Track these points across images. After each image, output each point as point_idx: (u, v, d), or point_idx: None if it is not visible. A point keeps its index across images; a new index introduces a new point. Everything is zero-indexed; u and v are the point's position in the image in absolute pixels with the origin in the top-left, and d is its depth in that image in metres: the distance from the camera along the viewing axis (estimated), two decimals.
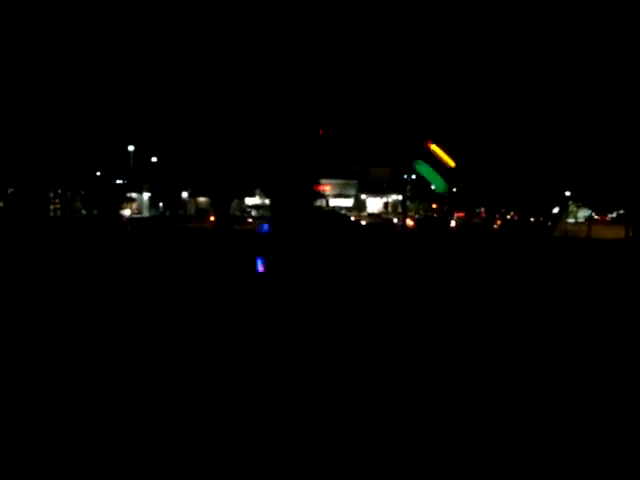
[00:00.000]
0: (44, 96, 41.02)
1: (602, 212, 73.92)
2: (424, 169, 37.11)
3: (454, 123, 48.92)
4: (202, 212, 77.74)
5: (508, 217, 64.83)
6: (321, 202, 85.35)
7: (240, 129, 46.12)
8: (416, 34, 42.76)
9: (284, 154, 42.01)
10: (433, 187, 37.87)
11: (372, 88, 48.02)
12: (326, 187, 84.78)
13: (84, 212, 58.52)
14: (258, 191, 79.34)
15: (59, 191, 56.31)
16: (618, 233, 52.67)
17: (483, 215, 77.00)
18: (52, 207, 58.32)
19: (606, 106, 41.08)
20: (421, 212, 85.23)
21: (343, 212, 70.91)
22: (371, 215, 79.02)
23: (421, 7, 40.76)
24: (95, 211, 54.91)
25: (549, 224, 50.32)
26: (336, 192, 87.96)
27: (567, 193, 54.00)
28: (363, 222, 67.67)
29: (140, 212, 79.97)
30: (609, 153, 42.95)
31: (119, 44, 41.77)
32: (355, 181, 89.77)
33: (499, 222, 65.18)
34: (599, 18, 38.21)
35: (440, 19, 41.54)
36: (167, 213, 73.54)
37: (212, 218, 60.37)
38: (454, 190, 70.52)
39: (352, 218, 66.91)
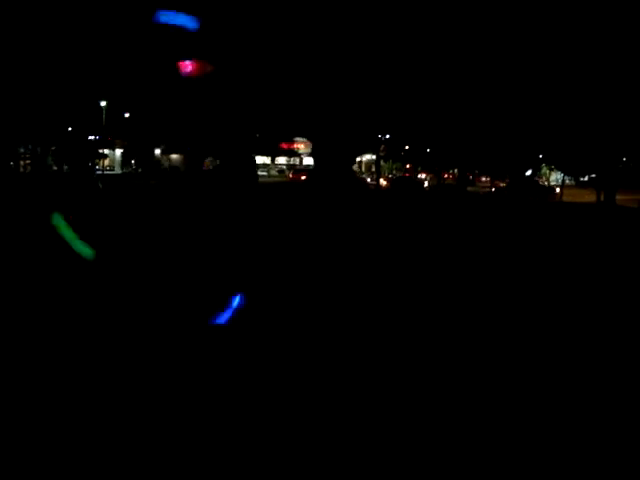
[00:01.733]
0: (12, 50, 40.26)
1: (574, 175, 74.34)
2: None
3: (429, 82, 48.78)
4: (175, 169, 77.16)
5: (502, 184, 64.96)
6: (294, 160, 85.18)
7: (214, 85, 45.56)
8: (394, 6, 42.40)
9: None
10: None
11: (346, 47, 47.61)
12: (300, 145, 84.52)
13: (55, 168, 57.90)
14: None
15: (29, 146, 55.59)
16: (590, 197, 53.08)
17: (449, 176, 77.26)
18: (22, 163, 57.66)
19: (579, 71, 41.15)
20: (394, 172, 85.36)
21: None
22: None
23: None
24: (65, 167, 54.30)
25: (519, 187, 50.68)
26: (309, 151, 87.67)
27: (539, 156, 54.33)
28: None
29: (112, 169, 79.27)
30: (582, 116, 43.13)
31: (89, 5, 41.02)
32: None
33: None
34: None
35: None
36: (139, 170, 72.93)
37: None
38: (427, 151, 70.65)
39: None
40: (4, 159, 49.39)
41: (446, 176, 78.72)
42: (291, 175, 70.89)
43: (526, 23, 40.68)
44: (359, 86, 53.30)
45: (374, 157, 77.27)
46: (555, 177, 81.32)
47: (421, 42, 45.37)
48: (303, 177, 60.59)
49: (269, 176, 78.09)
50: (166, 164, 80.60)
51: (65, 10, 40.33)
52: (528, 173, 52.01)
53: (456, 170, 73.29)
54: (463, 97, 47.03)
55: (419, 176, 79.42)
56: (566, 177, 67.84)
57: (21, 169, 56.51)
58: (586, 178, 73.72)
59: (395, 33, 43.91)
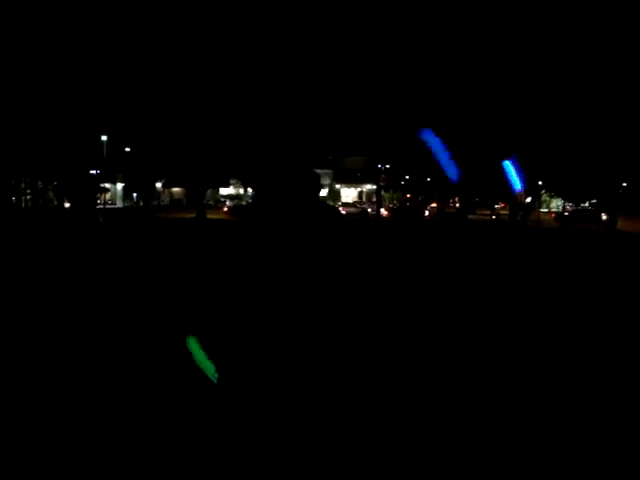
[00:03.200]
0: (16, 86, 40.60)
1: (574, 201, 74.46)
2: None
3: (427, 111, 49.00)
4: (176, 202, 77.42)
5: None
6: None
7: (214, 119, 45.95)
8: (392, 24, 42.75)
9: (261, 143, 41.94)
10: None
11: (347, 78, 47.99)
12: None
13: (56, 203, 58.12)
14: (232, 181, 79.12)
15: (27, 181, 55.84)
16: (590, 224, 53.12)
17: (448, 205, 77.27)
18: (24, 198, 57.91)
19: (580, 98, 41.35)
20: (395, 202, 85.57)
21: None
22: (345, 204, 79.11)
23: None
24: (66, 202, 54.48)
25: (520, 214, 50.65)
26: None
27: (540, 182, 54.35)
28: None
29: (113, 202, 79.59)
30: (582, 143, 43.24)
31: (91, 36, 41.42)
32: (330, 170, 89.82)
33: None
34: (569, 15, 38.47)
35: (416, 8, 41.59)
36: (141, 203, 73.19)
37: (225, 209, 61.01)
38: (428, 180, 70.82)
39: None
40: (5, 195, 49.59)
41: (434, 205, 78.90)
42: None
43: (527, 49, 40.98)
44: (369, 116, 53.65)
45: (375, 187, 77.54)
46: (556, 203, 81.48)
47: (420, 70, 45.68)
48: None
49: None
50: (167, 198, 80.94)
51: (66, 45, 40.72)
52: (528, 200, 52.01)
53: (457, 198, 73.44)
54: (463, 125, 47.19)
55: (432, 204, 79.26)
56: (567, 203, 68.06)
57: (23, 204, 56.73)
58: (587, 204, 73.85)
59: (394, 59, 44.22)
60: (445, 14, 41.36)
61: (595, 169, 45.78)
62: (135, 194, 78.51)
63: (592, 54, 39.68)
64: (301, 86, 42.83)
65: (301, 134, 45.59)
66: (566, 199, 65.13)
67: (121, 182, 79.12)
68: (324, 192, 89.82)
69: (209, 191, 63.45)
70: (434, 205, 79.65)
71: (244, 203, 77.94)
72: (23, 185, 56.33)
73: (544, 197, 76.15)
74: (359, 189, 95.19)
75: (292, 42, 38.22)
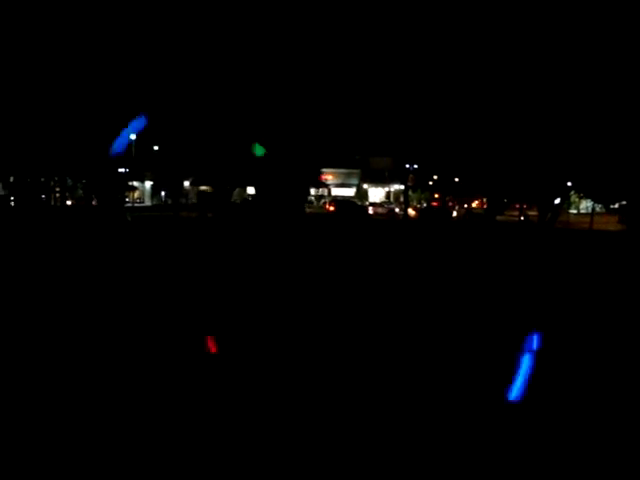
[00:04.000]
0: (46, 85, 40.98)
1: (604, 203, 73.63)
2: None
3: (456, 111, 48.81)
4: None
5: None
6: (323, 191, 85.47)
7: (243, 117, 46.05)
8: (417, 24, 42.62)
9: (285, 145, 41.96)
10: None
11: (373, 77, 47.88)
12: (328, 176, 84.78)
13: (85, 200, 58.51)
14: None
15: (56, 179, 56.32)
16: (620, 225, 52.60)
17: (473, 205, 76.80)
18: (53, 196, 58.41)
19: (609, 97, 40.97)
20: (422, 202, 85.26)
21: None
22: (373, 204, 78.96)
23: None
24: (94, 200, 54.86)
25: (549, 215, 50.21)
26: (338, 182, 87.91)
27: (569, 183, 53.91)
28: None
29: (142, 201, 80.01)
30: (611, 143, 42.84)
31: (121, 33, 41.68)
32: (357, 170, 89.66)
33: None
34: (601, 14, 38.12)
35: (440, 10, 41.41)
36: (169, 202, 73.49)
37: None
38: (456, 180, 70.50)
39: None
40: (36, 192, 50.04)
41: (474, 205, 78.32)
42: (329, 206, 68.45)
43: (556, 52, 40.68)
44: (396, 115, 53.56)
45: (402, 187, 77.32)
46: (585, 205, 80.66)
47: (448, 72, 45.49)
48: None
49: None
50: (194, 196, 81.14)
51: (97, 44, 41.01)
52: (557, 201, 51.58)
53: (484, 199, 72.97)
54: (491, 126, 46.95)
55: (466, 205, 78.62)
56: (596, 204, 67.32)
57: (52, 202, 57.23)
58: (616, 205, 72.98)
59: (422, 59, 44.05)
60: (468, 14, 41.18)
61: (625, 169, 45.30)
62: (163, 192, 78.84)
63: (622, 53, 39.30)
64: (322, 87, 42.78)
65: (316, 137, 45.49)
66: (595, 200, 64.37)
67: (150, 180, 79.49)
68: (352, 191, 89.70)
69: (237, 190, 63.54)
70: (459, 205, 79.30)
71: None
72: (52, 183, 56.81)
73: (573, 198, 75.46)
74: (387, 189, 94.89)
75: (315, 43, 38.19)
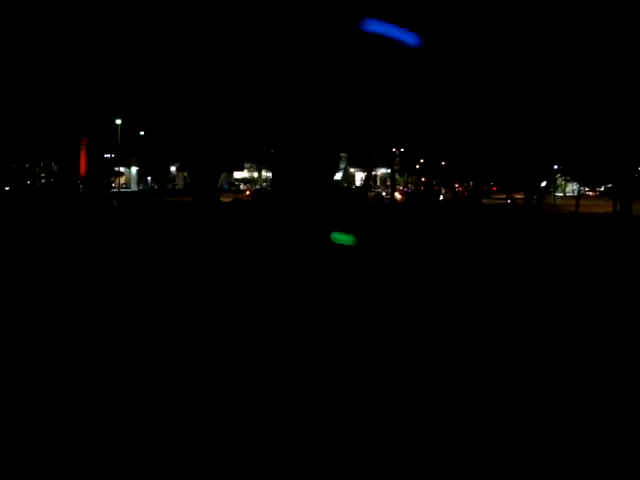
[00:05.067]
0: (30, 71, 40.67)
1: (590, 186, 74.02)
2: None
3: (441, 95, 48.73)
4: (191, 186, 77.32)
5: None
6: None
7: (229, 102, 45.83)
8: (407, 13, 42.41)
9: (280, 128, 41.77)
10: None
11: (359, 64, 47.68)
12: None
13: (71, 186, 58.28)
14: (247, 165, 79.08)
15: (41, 164, 56.03)
16: (606, 207, 52.82)
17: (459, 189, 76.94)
18: (38, 182, 58.10)
19: (593, 81, 41.01)
20: (410, 185, 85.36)
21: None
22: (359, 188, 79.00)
23: None
24: (80, 185, 54.64)
25: (535, 198, 50.36)
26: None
27: (555, 167, 54.02)
28: None
29: (128, 186, 79.75)
30: (597, 127, 42.95)
31: (106, 21, 41.36)
32: (344, 154, 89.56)
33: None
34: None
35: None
36: (155, 187, 73.34)
37: (248, 192, 60.95)
38: (442, 164, 70.56)
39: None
40: (20, 177, 49.76)
41: (460, 189, 78.43)
42: None
43: (541, 37, 40.64)
44: (382, 98, 53.42)
45: (389, 171, 77.33)
46: (571, 188, 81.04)
47: (434, 57, 45.38)
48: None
49: None
50: (181, 181, 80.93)
51: (81, 30, 40.68)
52: (543, 184, 51.71)
53: (471, 183, 73.10)
54: (477, 109, 46.95)
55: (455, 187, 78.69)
56: (582, 187, 67.68)
57: (37, 186, 56.96)
58: (602, 188, 73.40)
59: (409, 49, 43.87)
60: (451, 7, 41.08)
61: (610, 153, 45.44)
62: (149, 178, 78.63)
63: (610, 40, 39.32)
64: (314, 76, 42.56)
65: (325, 120, 45.30)
66: (582, 183, 64.67)
67: (135, 166, 79.25)
68: (338, 175, 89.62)
69: (223, 174, 63.38)
70: (445, 189, 79.36)
71: (258, 186, 77.84)
72: (37, 169, 56.51)
73: (559, 181, 75.73)
74: (373, 173, 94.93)
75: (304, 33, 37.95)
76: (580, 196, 62.50)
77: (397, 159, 74.30)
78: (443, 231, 28.18)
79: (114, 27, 40.95)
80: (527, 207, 50.62)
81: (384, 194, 73.31)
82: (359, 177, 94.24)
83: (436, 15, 40.43)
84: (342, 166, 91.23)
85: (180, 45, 42.87)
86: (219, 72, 44.01)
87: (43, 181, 58.33)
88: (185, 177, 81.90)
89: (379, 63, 45.07)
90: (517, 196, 63.93)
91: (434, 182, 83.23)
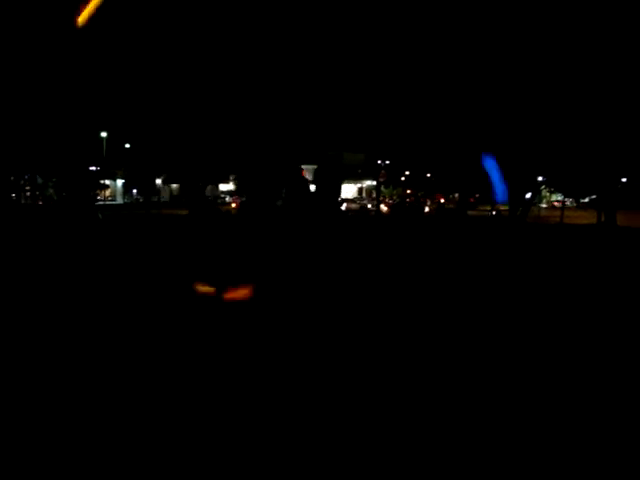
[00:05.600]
0: (15, 82, 40.59)
1: (574, 197, 74.46)
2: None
3: (427, 107, 48.95)
4: (176, 199, 77.38)
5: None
6: None
7: (214, 115, 45.92)
8: (390, 19, 42.69)
9: (258, 140, 41.90)
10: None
11: (344, 72, 47.93)
12: (306, 174, 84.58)
13: (56, 199, 58.14)
14: (232, 177, 79.08)
15: (26, 177, 55.91)
16: (590, 219, 53.10)
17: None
18: (23, 194, 57.93)
19: (578, 93, 41.30)
20: (395, 197, 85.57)
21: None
22: (346, 200, 79.09)
23: None
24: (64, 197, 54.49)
25: (520, 210, 50.60)
26: (310, 177, 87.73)
27: (539, 178, 54.30)
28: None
29: (114, 199, 79.63)
30: (582, 138, 43.22)
31: (90, 33, 41.33)
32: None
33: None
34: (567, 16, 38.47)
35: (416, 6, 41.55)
36: (140, 199, 73.23)
37: (234, 205, 60.86)
38: (428, 175, 70.86)
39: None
40: (5, 191, 49.58)
41: (442, 201, 78.68)
42: None
43: (527, 51, 40.96)
44: (369, 111, 53.56)
45: (374, 183, 77.54)
46: (555, 199, 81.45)
47: (419, 67, 45.62)
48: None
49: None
50: (167, 194, 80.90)
51: (64, 41, 40.66)
52: (528, 196, 51.98)
53: (456, 195, 73.36)
54: (462, 122, 47.17)
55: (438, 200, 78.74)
56: (567, 199, 68.07)
57: (23, 200, 56.76)
58: (587, 199, 73.86)
59: (393, 59, 44.15)
60: (443, 11, 41.33)
61: (595, 164, 45.75)
62: (135, 190, 78.52)
63: (593, 50, 39.64)
64: (295, 82, 42.76)
65: (290, 133, 45.53)
66: (566, 194, 65.09)
67: (121, 178, 79.17)
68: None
69: (209, 187, 63.38)
70: (430, 201, 79.57)
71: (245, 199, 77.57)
72: (22, 182, 56.36)
73: (544, 192, 76.11)
74: (359, 185, 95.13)
75: (288, 40, 38.13)
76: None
77: (382, 171, 74.57)
78: (428, 242, 28.22)
79: (103, 40, 40.98)
80: (512, 218, 50.82)
81: (369, 206, 73.43)
82: (345, 190, 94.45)
83: (428, 30, 40.72)
84: None
85: (168, 58, 42.98)
86: (206, 84, 44.13)
87: (28, 194, 58.17)
88: (171, 190, 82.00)
89: (365, 75, 45.26)
90: (502, 207, 64.16)
91: (419, 194, 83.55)
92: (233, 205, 63.37)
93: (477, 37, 41.95)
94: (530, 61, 41.08)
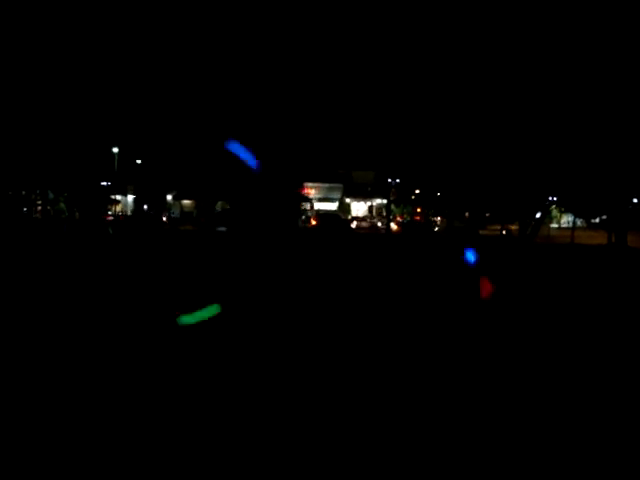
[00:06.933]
0: (28, 98, 40.88)
1: (585, 217, 74.21)
2: None
3: (438, 127, 49.06)
4: (187, 215, 77.53)
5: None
6: (305, 206, 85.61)
7: (225, 131, 46.06)
8: (402, 37, 42.87)
9: (268, 157, 41.99)
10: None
11: (355, 92, 48.09)
12: (311, 190, 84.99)
13: (67, 214, 58.35)
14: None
15: (38, 192, 56.16)
16: (601, 239, 52.90)
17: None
18: (34, 209, 58.19)
19: (589, 112, 41.30)
20: (405, 216, 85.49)
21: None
22: (356, 219, 79.08)
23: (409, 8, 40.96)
24: (76, 213, 54.68)
25: (530, 229, 50.52)
26: (321, 195, 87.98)
27: (550, 198, 54.28)
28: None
29: (125, 214, 79.80)
30: (592, 159, 43.18)
31: (105, 47, 41.68)
32: (340, 185, 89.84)
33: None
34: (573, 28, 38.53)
35: (427, 19, 41.69)
36: (151, 214, 73.38)
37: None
38: (438, 195, 70.82)
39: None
40: (17, 206, 49.83)
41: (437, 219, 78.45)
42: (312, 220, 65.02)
43: (536, 66, 41.01)
44: (378, 130, 53.71)
45: (385, 201, 77.54)
46: (566, 219, 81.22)
47: (430, 86, 45.72)
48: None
49: None
50: (177, 210, 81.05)
51: (77, 57, 40.98)
52: (538, 215, 51.91)
53: (467, 213, 73.24)
54: (473, 141, 47.22)
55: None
56: (577, 219, 67.91)
57: (34, 215, 57.04)
58: (597, 220, 73.63)
59: (404, 75, 44.26)
60: (456, 32, 41.51)
61: (606, 184, 45.65)
62: (146, 206, 78.71)
63: (605, 67, 39.66)
64: (304, 99, 42.91)
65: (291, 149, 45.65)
66: (576, 214, 64.97)
67: (132, 194, 79.40)
68: (334, 206, 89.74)
69: (219, 203, 63.43)
70: (441, 219, 79.33)
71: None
72: (34, 196, 56.64)
73: (554, 212, 75.97)
74: (369, 203, 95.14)
75: (300, 56, 38.32)
76: (575, 228, 62.64)
77: (393, 189, 74.59)
78: (439, 261, 28.17)
79: (115, 56, 41.26)
80: (522, 238, 50.73)
81: (379, 224, 73.37)
82: (355, 208, 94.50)
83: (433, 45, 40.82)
84: (338, 196, 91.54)
85: (180, 74, 43.22)
86: (216, 100, 44.33)
87: (39, 208, 58.42)
88: (182, 206, 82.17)
89: (375, 93, 45.37)
90: (513, 227, 64.08)
91: (429, 212, 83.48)
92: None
93: (490, 55, 42.06)
94: (544, 80, 41.13)
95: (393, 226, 69.95)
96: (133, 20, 41.31)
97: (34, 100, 41.17)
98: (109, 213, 68.57)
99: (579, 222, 75.00)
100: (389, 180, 71.75)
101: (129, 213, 78.93)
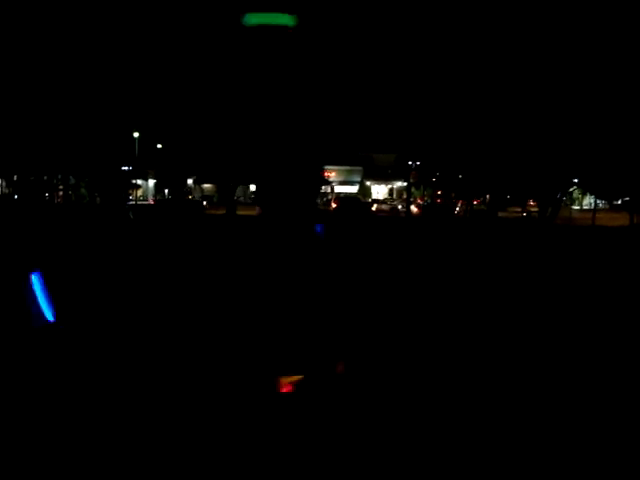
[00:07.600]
0: (49, 83, 41.09)
1: (606, 199, 73.65)
2: None
3: (458, 108, 48.76)
4: (207, 198, 77.69)
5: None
6: (326, 189, 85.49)
7: (245, 114, 46.03)
8: (420, 21, 42.67)
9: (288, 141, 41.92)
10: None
11: (375, 73, 47.95)
12: (331, 173, 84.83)
13: (88, 199, 58.73)
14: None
15: (59, 177, 56.51)
16: (623, 220, 52.45)
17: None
18: (56, 194, 58.60)
19: (611, 93, 40.96)
20: (426, 198, 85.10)
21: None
22: (376, 201, 78.85)
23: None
24: (97, 198, 54.99)
25: (549, 210, 50.24)
26: (341, 179, 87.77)
27: (572, 180, 53.90)
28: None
29: (145, 199, 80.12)
30: (614, 140, 42.83)
31: (126, 31, 41.76)
32: (360, 167, 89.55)
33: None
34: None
35: (443, 7, 41.46)
36: (170, 199, 73.67)
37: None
38: (459, 177, 70.45)
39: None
40: (39, 191, 50.19)
41: (475, 202, 77.80)
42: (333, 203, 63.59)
43: (558, 48, 40.70)
44: (399, 112, 53.44)
45: (405, 184, 77.25)
46: (588, 201, 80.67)
47: (451, 68, 45.48)
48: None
49: None
50: (198, 194, 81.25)
51: (98, 41, 41.09)
52: (557, 197, 51.59)
53: (487, 196, 72.80)
54: (494, 122, 46.94)
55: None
56: (599, 201, 67.43)
57: (56, 200, 57.41)
58: (619, 201, 73.02)
59: (425, 56, 44.06)
60: (476, 19, 41.27)
61: (627, 166, 45.26)
62: (166, 190, 79.01)
63: (627, 57, 39.33)
64: (329, 84, 42.75)
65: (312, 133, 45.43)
66: (598, 196, 64.46)
67: (153, 179, 79.70)
68: (354, 189, 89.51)
69: (239, 187, 63.47)
70: (461, 202, 78.81)
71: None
72: (55, 181, 57.03)
73: (575, 194, 75.51)
74: (389, 186, 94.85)
75: (317, 40, 38.12)
76: (597, 209, 62.15)
77: (413, 172, 74.24)
78: (456, 246, 28.16)
79: (136, 42, 41.34)
80: (541, 220, 50.47)
81: (400, 207, 73.12)
82: (375, 190, 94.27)
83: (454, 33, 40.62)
84: (358, 179, 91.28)
85: (199, 59, 43.24)
86: (236, 83, 44.28)
87: (61, 194, 58.82)
88: (202, 190, 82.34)
89: (395, 75, 45.21)
90: (533, 209, 63.68)
91: (451, 195, 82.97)
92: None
93: (512, 36, 41.76)
94: (566, 64, 40.83)
95: (413, 208, 69.69)
96: (155, 5, 41.38)
97: (55, 85, 41.39)
98: (152, 197, 68.72)
99: (601, 204, 74.41)
100: (410, 163, 71.43)
101: (150, 198, 79.21)
